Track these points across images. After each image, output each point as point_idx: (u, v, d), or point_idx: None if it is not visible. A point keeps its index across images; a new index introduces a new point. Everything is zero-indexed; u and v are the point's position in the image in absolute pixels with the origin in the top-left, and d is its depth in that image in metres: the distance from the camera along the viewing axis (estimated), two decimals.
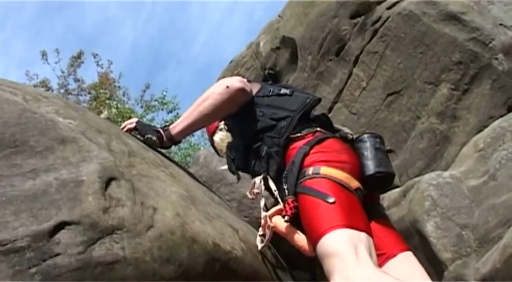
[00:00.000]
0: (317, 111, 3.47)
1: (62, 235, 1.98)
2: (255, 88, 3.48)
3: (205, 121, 3.44)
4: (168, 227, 2.28)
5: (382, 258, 2.76)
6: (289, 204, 2.82)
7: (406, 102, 6.12)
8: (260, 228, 3.05)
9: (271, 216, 2.96)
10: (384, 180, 3.05)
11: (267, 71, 8.03)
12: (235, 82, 3.38)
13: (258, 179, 3.22)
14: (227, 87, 3.33)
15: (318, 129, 3.18)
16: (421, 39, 5.98)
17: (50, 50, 25.40)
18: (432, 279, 2.88)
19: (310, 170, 2.84)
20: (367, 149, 3.06)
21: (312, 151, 2.95)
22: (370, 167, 2.99)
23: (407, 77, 6.10)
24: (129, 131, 3.34)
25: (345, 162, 2.91)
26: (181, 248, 2.27)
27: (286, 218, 2.81)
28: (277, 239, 3.10)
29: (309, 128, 3.17)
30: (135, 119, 3.46)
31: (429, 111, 5.86)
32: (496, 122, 5.06)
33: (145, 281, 2.10)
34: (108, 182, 2.26)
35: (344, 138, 3.17)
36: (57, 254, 1.93)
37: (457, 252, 4.22)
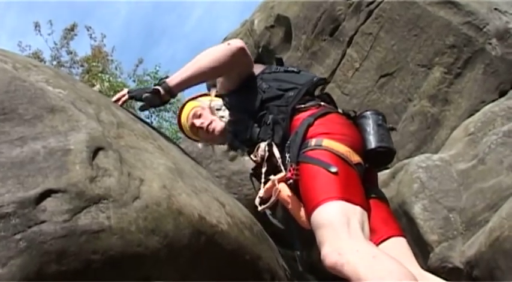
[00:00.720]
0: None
1: (48, 203, 1.98)
2: (260, 68, 3.49)
3: (203, 76, 3.37)
4: (154, 198, 2.28)
5: (374, 238, 2.77)
6: (291, 171, 2.84)
7: (399, 85, 6.13)
8: (262, 190, 3.03)
9: (278, 181, 2.96)
10: (385, 156, 3.06)
11: (260, 49, 8.01)
12: (237, 41, 3.40)
13: (263, 144, 3.21)
14: (228, 44, 3.34)
15: (323, 103, 3.19)
16: (415, 21, 5.98)
17: (43, 21, 25.33)
18: (418, 261, 2.89)
19: (313, 142, 2.84)
20: (370, 125, 3.07)
21: (315, 123, 2.96)
22: (372, 141, 3.00)
23: (401, 59, 6.11)
24: (124, 102, 3.32)
25: (347, 136, 2.92)
26: (166, 219, 2.27)
27: (291, 181, 2.82)
28: (266, 219, 3.10)
29: (313, 101, 3.18)
30: (125, 90, 3.45)
31: (421, 94, 5.88)
32: (487, 107, 5.09)
33: (130, 250, 2.11)
34: (95, 152, 2.26)
35: (347, 115, 3.17)
36: (43, 221, 1.93)
37: (443, 235, 4.25)
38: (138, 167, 2.40)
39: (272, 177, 3.00)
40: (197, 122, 3.53)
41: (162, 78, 3.41)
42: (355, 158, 2.84)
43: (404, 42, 6.10)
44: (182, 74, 3.34)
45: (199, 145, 3.78)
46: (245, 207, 3.24)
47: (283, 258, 3.40)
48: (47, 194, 1.99)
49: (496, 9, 5.66)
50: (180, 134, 16.95)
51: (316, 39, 7.15)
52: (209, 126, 3.48)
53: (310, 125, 2.95)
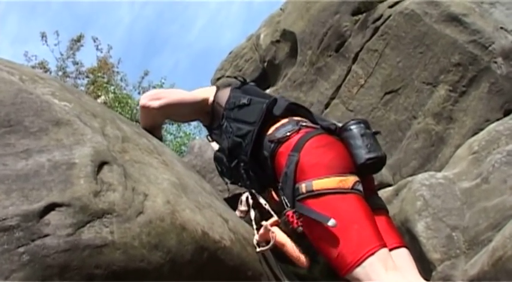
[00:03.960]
0: (309, 107, 3.45)
1: (52, 216, 1.98)
2: (224, 96, 3.50)
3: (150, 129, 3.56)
4: (158, 213, 2.28)
5: None
6: (290, 217, 2.82)
7: (403, 102, 6.12)
8: (256, 237, 3.04)
9: (271, 225, 2.98)
10: (376, 164, 3.04)
11: (265, 64, 8.03)
12: (143, 99, 3.60)
13: (244, 196, 3.26)
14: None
15: (302, 124, 3.14)
16: (421, 39, 5.98)
17: (44, 28, 25.42)
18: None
19: (304, 187, 2.83)
20: (354, 138, 3.04)
21: (301, 156, 2.93)
22: (360, 155, 2.98)
23: (406, 76, 6.11)
24: None
25: (335, 159, 2.89)
26: (170, 235, 2.27)
27: (300, 229, 2.81)
28: None
29: (291, 127, 3.14)
30: None
31: (426, 111, 5.88)
32: (492, 126, 5.08)
33: (132, 266, 2.11)
34: (100, 166, 2.26)
35: (328, 130, 3.13)
36: (46, 235, 1.93)
37: (446, 253, 4.24)
38: (142, 181, 2.40)
39: (264, 223, 3.02)
40: None
41: None
42: (350, 182, 2.83)
43: (409, 59, 6.10)
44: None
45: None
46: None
47: (285, 274, 3.39)
48: (51, 207, 2.00)
49: (501, 28, 5.66)
50: (184, 148, 16.91)
51: (321, 55, 7.17)
52: None
53: (297, 163, 2.91)
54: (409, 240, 4.49)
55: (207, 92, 3.60)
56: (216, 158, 3.44)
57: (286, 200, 2.87)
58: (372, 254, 2.61)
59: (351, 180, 2.84)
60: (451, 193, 4.58)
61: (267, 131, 3.12)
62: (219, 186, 4.87)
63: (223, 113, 3.37)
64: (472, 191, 4.49)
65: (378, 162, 3.04)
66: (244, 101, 3.30)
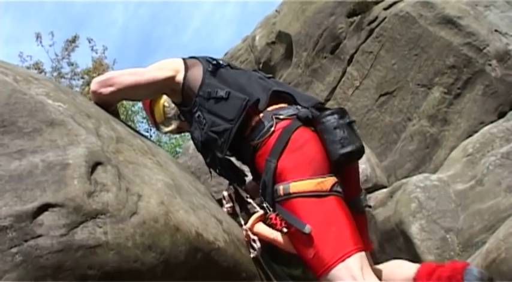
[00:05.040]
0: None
1: (45, 217, 1.97)
2: (195, 79, 3.26)
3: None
4: (152, 214, 2.27)
5: None
6: (274, 219, 2.78)
7: (398, 104, 6.14)
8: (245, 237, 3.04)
9: (252, 227, 2.96)
10: (352, 157, 2.95)
11: (261, 65, 8.02)
12: (94, 84, 3.31)
13: (225, 193, 3.22)
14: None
15: (277, 117, 3.01)
16: (416, 41, 6.00)
17: (39, 29, 25.31)
18: None
19: (281, 190, 2.77)
20: (327, 132, 2.90)
21: (279, 163, 2.85)
22: (333, 151, 2.85)
23: (401, 78, 6.13)
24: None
25: (313, 162, 2.83)
26: (163, 236, 2.26)
27: (285, 230, 2.78)
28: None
29: (267, 124, 3.01)
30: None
31: (420, 113, 5.89)
32: (486, 128, 5.09)
33: (126, 266, 2.10)
34: (94, 167, 2.25)
35: (306, 120, 2.99)
36: (40, 235, 1.92)
37: (440, 255, 4.24)
38: (136, 182, 2.39)
39: (244, 226, 3.00)
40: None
41: None
42: (329, 184, 2.77)
43: (404, 61, 6.12)
44: None
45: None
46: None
47: (279, 276, 3.39)
48: (44, 208, 1.98)
49: (496, 30, 5.68)
50: (179, 149, 16.88)
51: (317, 57, 7.18)
52: None
53: (275, 170, 2.85)
54: (403, 242, 4.49)
55: (172, 69, 3.31)
56: (193, 140, 3.31)
57: (268, 206, 2.84)
58: (349, 256, 2.59)
59: (329, 181, 2.77)
60: (445, 195, 4.58)
61: (245, 128, 3.02)
62: (213, 187, 4.86)
63: (196, 100, 3.18)
64: (467, 193, 4.50)
65: (355, 154, 2.94)
66: (222, 93, 3.08)
